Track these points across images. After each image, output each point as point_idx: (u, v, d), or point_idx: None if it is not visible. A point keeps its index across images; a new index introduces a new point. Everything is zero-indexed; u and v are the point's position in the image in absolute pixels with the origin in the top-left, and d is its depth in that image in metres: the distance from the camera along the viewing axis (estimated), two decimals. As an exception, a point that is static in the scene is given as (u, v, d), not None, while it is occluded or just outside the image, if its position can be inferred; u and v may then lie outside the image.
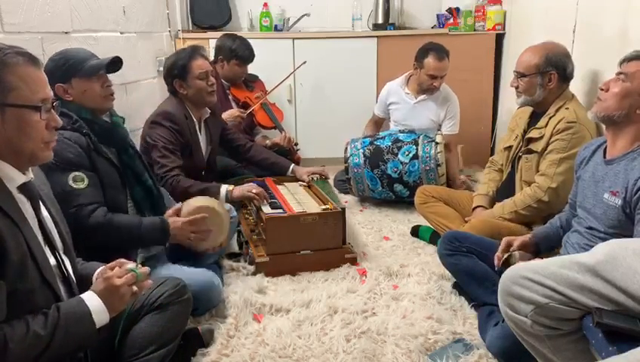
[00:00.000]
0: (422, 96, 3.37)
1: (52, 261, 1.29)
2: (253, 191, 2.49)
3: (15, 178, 1.23)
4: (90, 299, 1.25)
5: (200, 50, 2.64)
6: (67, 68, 1.80)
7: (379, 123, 3.60)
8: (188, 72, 2.54)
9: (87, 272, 1.43)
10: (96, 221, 1.73)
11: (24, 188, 1.26)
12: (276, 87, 3.67)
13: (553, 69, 2.22)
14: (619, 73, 1.62)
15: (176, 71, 2.55)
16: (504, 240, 1.87)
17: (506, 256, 1.83)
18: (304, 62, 3.70)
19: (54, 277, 1.27)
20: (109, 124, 1.88)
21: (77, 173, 1.72)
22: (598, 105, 1.66)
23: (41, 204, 1.33)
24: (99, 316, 1.24)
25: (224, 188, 2.45)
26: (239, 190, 2.49)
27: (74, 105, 1.80)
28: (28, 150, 1.22)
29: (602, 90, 1.65)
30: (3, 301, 1.12)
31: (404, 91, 3.42)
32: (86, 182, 1.74)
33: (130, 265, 1.34)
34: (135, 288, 1.30)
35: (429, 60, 3.21)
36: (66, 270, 1.34)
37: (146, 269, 1.35)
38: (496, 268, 1.85)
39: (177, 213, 1.93)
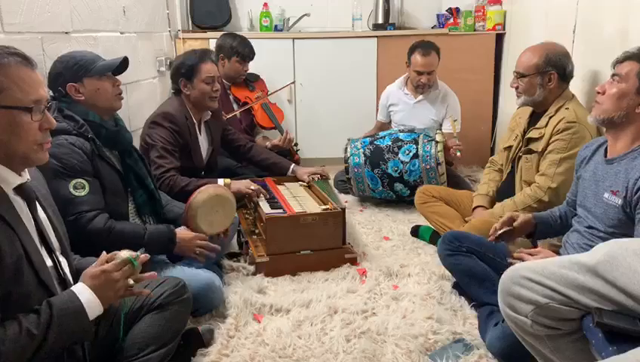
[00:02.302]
0: (421, 96, 3.37)
1: (49, 262, 1.28)
2: (251, 187, 2.51)
3: (10, 180, 1.22)
4: (82, 292, 1.23)
5: (210, 54, 2.66)
6: (78, 68, 1.80)
7: (383, 129, 3.57)
8: (195, 73, 2.55)
9: (83, 267, 1.42)
10: (96, 228, 1.72)
11: (20, 190, 1.25)
12: (275, 92, 3.69)
13: (553, 68, 2.22)
14: (613, 75, 1.63)
15: (183, 70, 2.57)
16: (507, 214, 1.87)
17: (503, 230, 1.83)
18: (293, 82, 3.82)
19: (51, 278, 1.26)
20: (115, 127, 1.89)
21: (78, 180, 1.72)
22: (597, 109, 1.67)
23: (37, 205, 1.32)
24: (92, 309, 1.22)
25: (221, 182, 2.46)
26: (237, 185, 2.52)
27: (82, 107, 1.80)
28: (20, 152, 1.21)
29: (599, 93, 1.66)
30: None
31: (404, 92, 3.43)
32: (87, 189, 1.73)
33: (125, 253, 1.30)
34: (131, 281, 1.29)
35: (415, 56, 3.24)
36: (63, 271, 1.33)
37: (145, 256, 1.33)
38: (488, 238, 1.85)
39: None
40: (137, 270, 1.30)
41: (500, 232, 1.83)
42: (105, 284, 1.25)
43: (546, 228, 1.92)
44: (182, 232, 1.94)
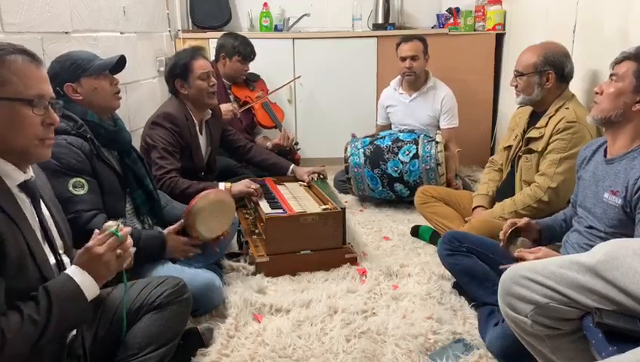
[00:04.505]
0: (415, 94, 3.40)
1: (52, 260, 1.28)
2: (252, 186, 2.51)
3: (15, 176, 1.23)
4: (76, 273, 1.23)
5: (201, 51, 2.65)
6: (75, 67, 1.80)
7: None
8: (189, 71, 2.55)
9: None
10: (94, 228, 1.71)
11: (24, 187, 1.26)
12: (275, 90, 3.69)
13: (551, 68, 2.22)
14: (611, 75, 1.64)
15: (177, 70, 2.56)
16: (510, 220, 1.86)
17: (511, 230, 1.83)
18: (299, 77, 3.82)
19: (54, 275, 1.26)
20: (114, 127, 1.89)
21: (77, 179, 1.72)
22: (595, 109, 1.68)
23: (41, 203, 1.32)
24: (89, 289, 1.23)
25: (222, 186, 2.47)
26: (237, 186, 2.52)
27: (80, 107, 1.80)
28: (19, 146, 1.21)
29: (597, 93, 1.67)
30: (2, 297, 1.12)
31: (398, 92, 3.45)
32: (86, 188, 1.74)
33: (111, 226, 1.31)
34: (119, 251, 1.29)
35: (400, 46, 3.33)
36: (65, 269, 1.32)
37: (127, 230, 1.34)
38: (501, 244, 1.85)
39: (177, 232, 1.94)
40: (122, 241, 1.30)
41: (509, 233, 1.83)
42: (92, 260, 1.25)
43: (552, 233, 1.91)
44: (171, 239, 1.93)
